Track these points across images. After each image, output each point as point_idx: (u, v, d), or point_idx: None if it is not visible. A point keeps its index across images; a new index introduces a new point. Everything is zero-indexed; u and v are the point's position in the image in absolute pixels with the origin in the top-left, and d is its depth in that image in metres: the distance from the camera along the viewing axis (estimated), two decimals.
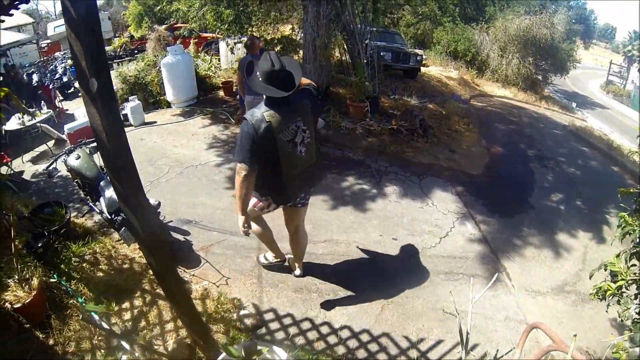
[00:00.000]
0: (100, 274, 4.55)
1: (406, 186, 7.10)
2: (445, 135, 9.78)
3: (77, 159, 5.37)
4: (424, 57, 18.47)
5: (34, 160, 9.02)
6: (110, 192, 4.89)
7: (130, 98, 10.71)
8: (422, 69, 17.30)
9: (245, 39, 9.37)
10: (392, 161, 7.94)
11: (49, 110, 11.28)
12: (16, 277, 3.60)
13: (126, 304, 4.17)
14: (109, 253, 4.94)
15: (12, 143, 9.55)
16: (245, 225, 3.71)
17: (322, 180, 4.93)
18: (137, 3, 29.90)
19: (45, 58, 20.00)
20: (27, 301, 3.47)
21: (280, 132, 3.43)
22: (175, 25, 17.62)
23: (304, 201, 4.14)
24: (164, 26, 17.30)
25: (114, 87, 10.01)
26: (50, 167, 5.44)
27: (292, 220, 4.30)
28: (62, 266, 4.34)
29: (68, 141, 8.89)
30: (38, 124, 9.61)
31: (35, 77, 15.52)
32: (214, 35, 16.37)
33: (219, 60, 15.03)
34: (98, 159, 5.47)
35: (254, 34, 11.80)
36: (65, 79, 15.97)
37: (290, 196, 3.85)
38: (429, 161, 8.22)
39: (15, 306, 3.43)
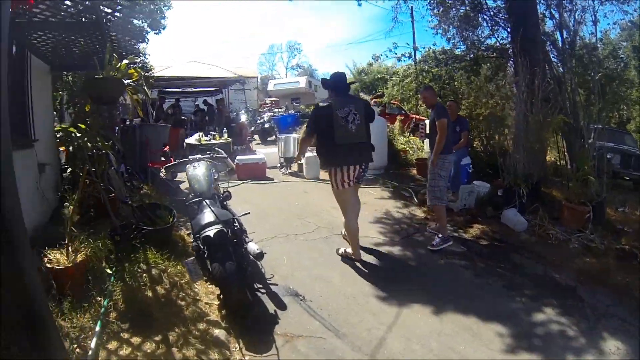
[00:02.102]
0: (150, 293, 3.77)
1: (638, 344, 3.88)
2: None
3: (194, 169, 5.02)
4: None
5: None
6: (201, 214, 4.16)
7: (309, 148, 9.94)
8: None
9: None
10: (619, 298, 4.72)
11: (229, 138, 11.84)
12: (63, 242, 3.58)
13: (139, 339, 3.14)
14: (179, 280, 4.17)
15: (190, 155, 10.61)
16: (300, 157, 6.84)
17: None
18: (354, 79, 31.09)
19: (259, 109, 22.14)
20: (61, 268, 3.38)
21: (337, 110, 4.83)
22: (376, 99, 16.95)
23: (360, 177, 5.26)
24: (370, 96, 16.69)
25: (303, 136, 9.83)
26: (173, 169, 5.61)
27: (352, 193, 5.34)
28: (126, 264, 4.02)
29: (235, 171, 9.25)
30: (215, 147, 9.75)
31: (242, 117, 16.54)
32: (420, 117, 15.32)
33: (423, 142, 13.65)
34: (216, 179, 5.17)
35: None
36: (267, 125, 16.95)
37: (341, 161, 4.92)
38: None
39: (50, 266, 3.39)
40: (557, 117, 7.68)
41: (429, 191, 6.08)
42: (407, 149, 11.88)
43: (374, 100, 15.73)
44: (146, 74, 13.92)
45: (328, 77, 5.36)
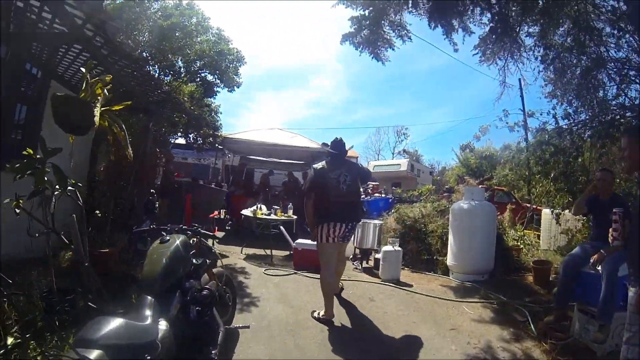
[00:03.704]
0: None
1: None
2: None
3: (160, 243, 3.14)
4: None
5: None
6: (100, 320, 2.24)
7: (390, 239, 7.44)
8: None
9: None
10: None
11: (294, 216, 9.61)
12: None
13: None
14: None
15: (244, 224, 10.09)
16: (314, 236, 5.31)
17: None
18: (461, 165, 28.39)
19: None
20: None
21: (330, 172, 5.25)
22: (483, 185, 13.93)
23: (349, 236, 5.45)
24: (477, 181, 13.88)
25: (389, 225, 9.39)
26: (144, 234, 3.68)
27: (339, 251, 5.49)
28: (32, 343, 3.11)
29: (292, 254, 7.86)
30: (279, 225, 8.91)
31: None
32: (537, 207, 12.28)
33: (539, 236, 10.49)
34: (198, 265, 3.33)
35: None
36: None
37: (333, 217, 5.09)
38: None
39: None
40: None
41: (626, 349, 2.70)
42: (521, 246, 8.60)
43: (481, 185, 13.00)
44: (214, 132, 12.83)
45: (329, 144, 5.71)
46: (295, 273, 7.00)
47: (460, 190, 11.15)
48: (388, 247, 7.14)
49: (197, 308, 3.01)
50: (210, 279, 3.67)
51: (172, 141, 13.15)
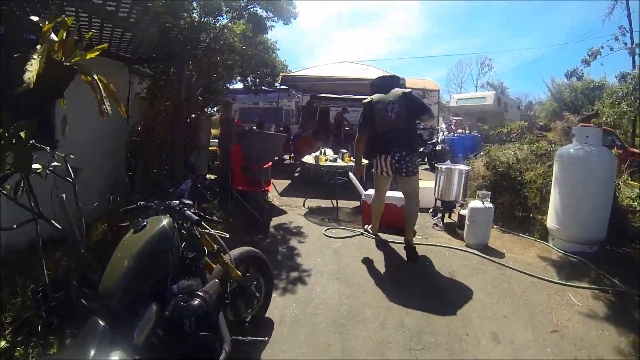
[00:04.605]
0: None
1: None
2: None
3: (135, 231, 2.19)
4: None
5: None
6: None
7: (480, 193, 5.94)
8: None
9: None
10: None
11: (365, 160, 7.78)
12: None
13: None
14: None
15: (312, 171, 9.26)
16: (356, 172, 5.92)
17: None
18: (553, 100, 26.01)
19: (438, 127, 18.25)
20: None
21: (377, 103, 5.19)
22: (588, 124, 11.44)
23: (406, 169, 5.09)
24: (578, 118, 11.65)
25: (477, 170, 7.86)
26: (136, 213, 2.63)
27: (403, 188, 5.34)
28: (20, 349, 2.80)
29: (361, 207, 6.80)
30: (348, 171, 7.35)
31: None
32: None
33: None
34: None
35: None
36: (439, 147, 13.60)
37: (384, 148, 5.13)
38: None
39: None
40: None
41: None
42: (637, 206, 6.23)
43: (583, 124, 10.85)
44: (271, 71, 11.80)
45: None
46: (362, 234, 5.94)
47: (558, 128, 9.36)
48: (476, 203, 5.70)
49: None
50: (223, 270, 2.70)
51: (231, 87, 12.25)
